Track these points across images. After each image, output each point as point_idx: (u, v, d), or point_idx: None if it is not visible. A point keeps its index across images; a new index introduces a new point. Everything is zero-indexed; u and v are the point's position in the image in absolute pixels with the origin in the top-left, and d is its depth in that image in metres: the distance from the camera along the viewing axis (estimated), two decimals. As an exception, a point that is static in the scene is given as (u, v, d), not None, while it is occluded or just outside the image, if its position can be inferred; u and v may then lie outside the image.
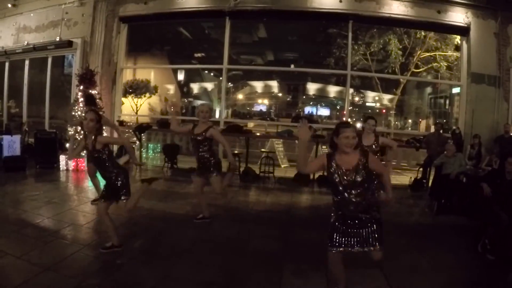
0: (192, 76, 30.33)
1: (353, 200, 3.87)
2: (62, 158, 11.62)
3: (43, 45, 15.20)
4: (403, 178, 13.01)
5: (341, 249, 3.97)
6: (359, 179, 3.84)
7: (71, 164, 11.57)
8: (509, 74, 12.89)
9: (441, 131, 12.08)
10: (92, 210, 7.38)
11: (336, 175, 3.89)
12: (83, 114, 5.38)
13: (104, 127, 6.27)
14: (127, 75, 16.42)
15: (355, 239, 3.95)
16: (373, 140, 7.18)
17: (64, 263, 4.88)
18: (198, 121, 6.86)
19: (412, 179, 11.85)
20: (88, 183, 9.93)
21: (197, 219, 7.10)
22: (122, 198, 5.35)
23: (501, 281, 5.42)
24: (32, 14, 15.80)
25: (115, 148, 12.05)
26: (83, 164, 11.57)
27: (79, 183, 10.28)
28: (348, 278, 4.81)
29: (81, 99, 11.95)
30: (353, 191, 3.87)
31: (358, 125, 7.66)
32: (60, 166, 11.61)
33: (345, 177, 3.86)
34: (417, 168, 12.38)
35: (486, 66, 12.91)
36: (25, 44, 15.69)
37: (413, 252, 5.75)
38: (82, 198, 8.34)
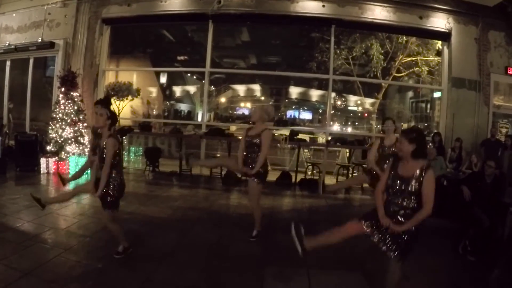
0: (175, 79, 30.28)
1: (400, 207, 4.05)
2: (43, 161, 11.52)
3: (25, 46, 15.02)
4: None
5: (366, 224, 4.25)
6: (409, 189, 3.98)
7: (52, 167, 11.49)
8: (489, 78, 13.14)
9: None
10: (73, 213, 7.35)
11: (390, 180, 4.10)
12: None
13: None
14: (109, 78, 16.29)
15: (383, 233, 4.13)
16: (394, 141, 7.09)
17: (45, 267, 4.85)
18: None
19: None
20: (69, 186, 9.88)
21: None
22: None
23: (481, 282, 5.54)
24: (14, 14, 15.64)
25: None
26: (64, 167, 11.51)
27: (60, 186, 10.19)
28: (330, 280, 4.89)
29: (62, 101, 11.89)
30: (400, 197, 4.03)
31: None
32: (41, 169, 11.50)
33: (397, 182, 4.03)
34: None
35: (466, 71, 13.12)
36: (7, 44, 15.49)
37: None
38: (63, 202, 8.28)
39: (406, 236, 4.00)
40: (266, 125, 6.84)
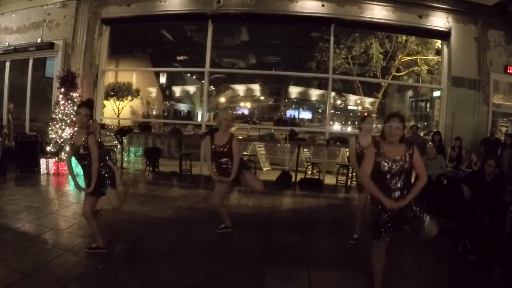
0: (174, 79, 30.30)
1: (398, 187, 4.18)
2: (43, 162, 11.52)
3: (25, 47, 15.01)
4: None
5: (387, 234, 4.28)
6: (405, 168, 4.15)
7: (52, 167, 11.49)
8: (489, 77, 13.17)
9: (419, 133, 12.22)
10: (73, 214, 7.34)
11: (384, 163, 4.14)
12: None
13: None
14: (109, 78, 16.35)
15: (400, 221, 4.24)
16: (371, 141, 6.45)
17: (45, 268, 4.84)
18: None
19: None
20: (69, 187, 9.91)
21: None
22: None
23: (482, 281, 5.54)
24: (13, 15, 15.62)
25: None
26: (64, 168, 11.50)
27: (60, 187, 10.20)
28: (330, 279, 4.89)
29: (62, 102, 11.89)
30: (397, 179, 4.17)
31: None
32: (41, 170, 11.51)
33: (393, 166, 4.13)
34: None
35: (466, 70, 13.15)
36: (6, 45, 15.48)
37: (394, 252, 5.84)
38: (63, 202, 8.28)
39: (417, 207, 4.25)
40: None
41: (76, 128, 5.58)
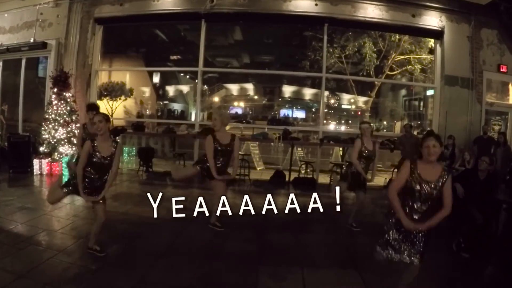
0: (168, 78, 30.20)
1: (422, 209, 4.11)
2: (36, 162, 11.47)
3: (17, 47, 14.95)
4: (378, 179, 13.14)
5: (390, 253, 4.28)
6: (436, 192, 4.05)
7: (45, 168, 11.45)
8: (482, 76, 13.27)
9: (413, 132, 12.27)
10: (66, 215, 7.33)
11: (417, 184, 4.04)
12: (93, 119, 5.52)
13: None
14: (102, 78, 16.26)
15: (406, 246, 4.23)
16: (373, 146, 7.34)
17: (39, 269, 4.84)
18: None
19: (387, 180, 12.04)
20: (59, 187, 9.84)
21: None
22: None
23: (475, 278, 5.57)
24: (6, 15, 15.54)
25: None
26: (57, 168, 11.46)
27: (50, 186, 10.17)
28: (324, 278, 4.90)
29: (55, 102, 11.83)
30: (425, 203, 4.09)
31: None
32: (34, 170, 11.46)
33: (425, 189, 4.04)
34: (391, 169, 12.56)
35: (459, 68, 13.23)
36: (-1, 45, 15.42)
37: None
38: (57, 203, 8.25)
39: (423, 237, 4.19)
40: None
41: (97, 136, 5.41)
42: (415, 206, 4.10)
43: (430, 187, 4.02)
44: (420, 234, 4.15)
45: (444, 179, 4.05)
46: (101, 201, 5.42)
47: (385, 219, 4.35)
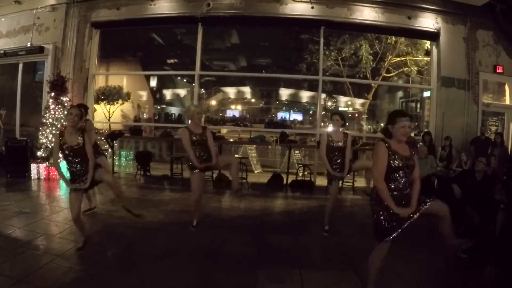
0: (165, 82, 30.24)
1: (404, 185, 4.19)
2: (34, 167, 11.46)
3: (14, 51, 14.90)
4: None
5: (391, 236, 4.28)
6: (413, 164, 4.19)
7: (43, 172, 11.43)
8: (478, 77, 13.30)
9: (410, 133, 12.29)
10: (64, 219, 7.31)
11: (398, 161, 4.11)
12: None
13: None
14: (99, 82, 16.27)
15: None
16: (342, 137, 7.26)
17: (37, 274, 4.83)
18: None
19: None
20: (60, 192, 9.87)
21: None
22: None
23: (473, 279, 5.57)
24: (3, 19, 15.50)
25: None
26: (55, 172, 11.45)
27: (51, 192, 10.15)
28: (323, 280, 4.90)
29: (52, 106, 11.83)
30: (406, 177, 4.18)
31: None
32: (32, 175, 11.44)
33: (406, 163, 4.13)
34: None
35: (455, 70, 13.26)
36: (-4, 49, 15.39)
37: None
38: (54, 208, 8.25)
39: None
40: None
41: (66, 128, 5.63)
42: (400, 185, 4.15)
43: (409, 162, 4.12)
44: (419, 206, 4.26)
45: (413, 151, 4.22)
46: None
47: (375, 205, 4.36)
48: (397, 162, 4.10)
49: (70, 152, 5.59)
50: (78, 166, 5.65)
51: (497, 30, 13.47)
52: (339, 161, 7.25)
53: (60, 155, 5.75)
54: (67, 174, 5.78)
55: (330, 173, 7.25)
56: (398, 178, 4.14)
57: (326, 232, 7.24)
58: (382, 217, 4.23)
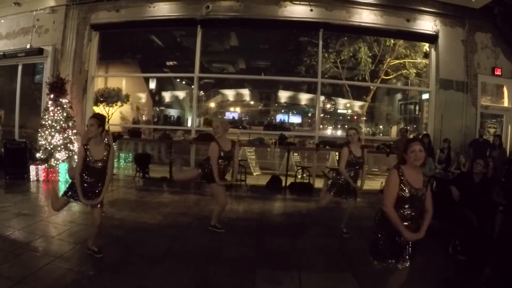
0: (164, 84, 30.25)
1: (412, 216, 4.11)
2: (33, 169, 11.45)
3: (14, 52, 14.90)
4: (374, 183, 13.21)
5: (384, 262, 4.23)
6: (423, 197, 4.10)
7: (42, 174, 11.42)
8: (477, 79, 13.35)
9: (409, 136, 12.31)
10: (63, 221, 7.32)
11: (406, 190, 4.06)
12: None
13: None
14: (99, 84, 16.28)
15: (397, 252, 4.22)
16: (361, 152, 7.31)
17: (36, 275, 4.83)
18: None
19: (383, 183, 12.04)
20: (59, 194, 9.85)
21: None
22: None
23: (472, 280, 5.59)
24: (2, 21, 15.51)
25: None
26: (54, 174, 11.45)
27: (50, 194, 10.14)
28: (321, 282, 4.91)
29: (51, 108, 11.82)
30: (413, 207, 4.10)
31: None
32: (31, 177, 11.41)
33: (414, 193, 4.06)
34: (387, 173, 12.58)
35: (454, 72, 13.31)
36: (-5, 51, 15.39)
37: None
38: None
39: (412, 244, 4.19)
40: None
41: (87, 141, 5.57)
42: (405, 213, 4.10)
43: (418, 193, 4.05)
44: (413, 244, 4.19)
45: (427, 184, 4.13)
46: (98, 205, 5.55)
47: (377, 227, 4.33)
48: (407, 193, 4.05)
49: (92, 165, 5.45)
50: (93, 179, 5.51)
51: (496, 32, 13.51)
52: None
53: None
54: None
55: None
56: (405, 207, 4.10)
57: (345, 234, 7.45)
58: (381, 241, 4.23)
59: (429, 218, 4.14)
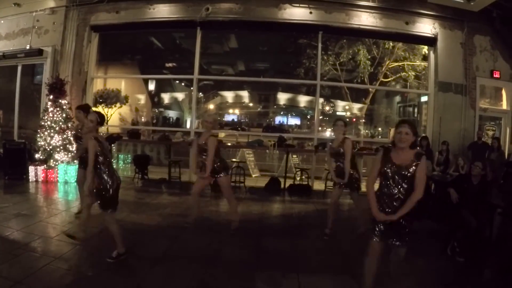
0: (163, 86, 30.28)
1: (399, 196, 4.17)
2: (32, 169, 11.45)
3: (13, 53, 14.88)
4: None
5: (376, 239, 4.34)
6: (407, 176, 4.13)
7: (41, 175, 11.42)
8: (475, 82, 13.40)
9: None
10: (62, 221, 7.33)
11: (388, 169, 4.18)
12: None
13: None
14: (98, 85, 16.27)
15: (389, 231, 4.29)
16: (341, 140, 7.34)
17: (35, 276, 4.84)
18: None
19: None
20: (58, 195, 9.88)
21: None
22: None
23: (470, 282, 5.60)
24: (2, 21, 15.50)
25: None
26: (53, 175, 11.46)
27: (49, 194, 10.14)
28: (320, 284, 4.91)
29: (51, 109, 11.82)
30: (399, 187, 4.16)
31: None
32: (30, 178, 11.42)
33: (396, 172, 4.15)
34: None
35: (452, 75, 13.35)
36: (-5, 51, 15.38)
37: (383, 256, 5.88)
38: (52, 210, 8.25)
39: (404, 222, 4.22)
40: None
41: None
42: (392, 192, 4.18)
43: (401, 172, 4.12)
44: (402, 221, 4.20)
45: (417, 162, 4.12)
46: (109, 211, 5.67)
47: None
48: (388, 170, 4.17)
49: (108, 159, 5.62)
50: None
51: (494, 35, 13.55)
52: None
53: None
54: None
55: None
56: (389, 185, 4.19)
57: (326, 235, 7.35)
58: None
59: (413, 198, 4.10)
